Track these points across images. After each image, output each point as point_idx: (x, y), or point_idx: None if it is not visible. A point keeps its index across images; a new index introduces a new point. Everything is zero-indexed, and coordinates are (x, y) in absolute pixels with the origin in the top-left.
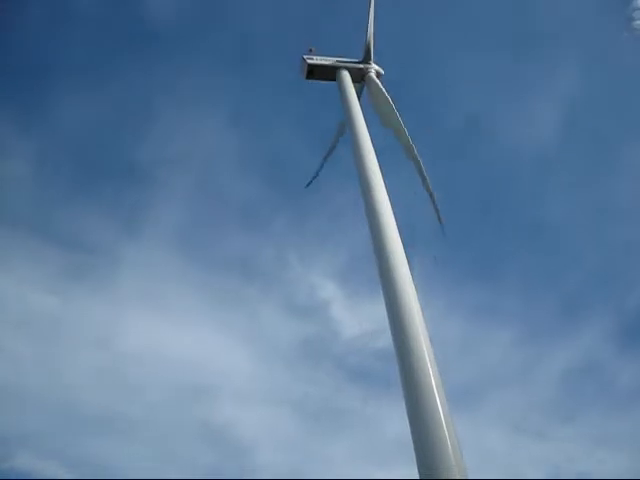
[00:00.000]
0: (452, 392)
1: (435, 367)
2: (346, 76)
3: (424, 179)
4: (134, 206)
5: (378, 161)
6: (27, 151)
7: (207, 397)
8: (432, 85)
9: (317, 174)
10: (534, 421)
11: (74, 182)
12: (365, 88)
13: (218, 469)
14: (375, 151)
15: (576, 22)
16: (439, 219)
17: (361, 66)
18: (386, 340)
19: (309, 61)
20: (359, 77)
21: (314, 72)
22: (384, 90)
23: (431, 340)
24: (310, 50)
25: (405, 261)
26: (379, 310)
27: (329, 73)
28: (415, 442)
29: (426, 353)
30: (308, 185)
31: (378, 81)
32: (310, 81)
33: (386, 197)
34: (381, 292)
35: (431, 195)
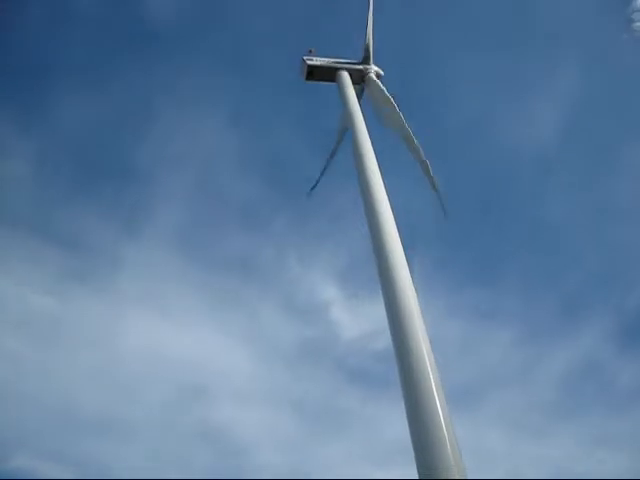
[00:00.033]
0: (452, 392)
1: (435, 367)
2: (346, 77)
3: (431, 179)
4: (134, 206)
5: (378, 161)
6: (27, 151)
7: (207, 397)
8: (432, 85)
9: (320, 179)
10: (534, 421)
11: (74, 182)
12: (365, 89)
13: (218, 469)
14: (375, 151)
15: (576, 22)
16: (444, 209)
17: (361, 67)
18: (385, 342)
19: (309, 62)
20: (359, 78)
21: (314, 73)
22: (385, 90)
23: (431, 340)
24: (310, 51)
25: (405, 261)
26: (379, 311)
27: (329, 74)
28: (414, 442)
29: (425, 353)
30: (311, 190)
31: (379, 82)
32: (310, 83)
33: (385, 197)
34: (380, 292)
35: (435, 187)
